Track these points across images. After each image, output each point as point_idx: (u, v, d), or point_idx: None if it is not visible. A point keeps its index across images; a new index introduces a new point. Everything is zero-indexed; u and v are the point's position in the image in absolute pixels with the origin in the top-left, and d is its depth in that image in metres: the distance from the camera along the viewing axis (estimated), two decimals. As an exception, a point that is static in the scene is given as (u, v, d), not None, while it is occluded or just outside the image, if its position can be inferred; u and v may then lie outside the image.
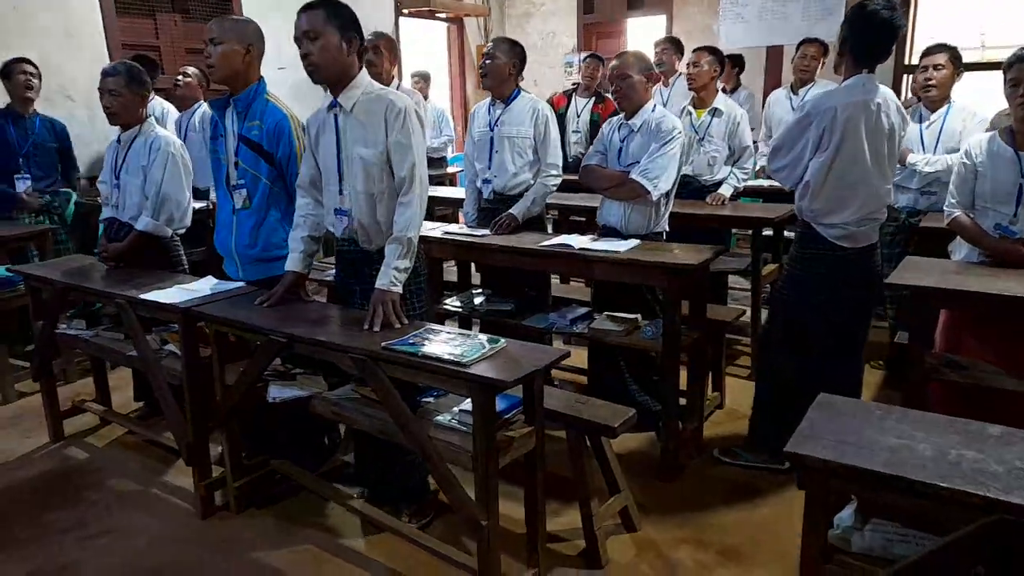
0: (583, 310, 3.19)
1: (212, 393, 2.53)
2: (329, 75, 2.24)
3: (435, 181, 5.78)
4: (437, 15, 7.92)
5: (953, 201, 2.63)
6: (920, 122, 3.58)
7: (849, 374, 2.72)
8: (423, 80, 6.55)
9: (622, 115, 3.15)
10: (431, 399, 2.26)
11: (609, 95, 5.72)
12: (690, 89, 4.05)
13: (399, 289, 2.23)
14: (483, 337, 2.06)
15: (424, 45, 8.39)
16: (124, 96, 2.88)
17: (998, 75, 2.65)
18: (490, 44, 3.37)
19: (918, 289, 2.28)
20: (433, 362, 1.91)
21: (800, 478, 1.45)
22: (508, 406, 2.09)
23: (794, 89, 4.79)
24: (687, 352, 2.92)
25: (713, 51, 4.01)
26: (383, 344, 2.01)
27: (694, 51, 4.02)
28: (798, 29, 6.73)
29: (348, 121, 2.29)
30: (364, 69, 2.33)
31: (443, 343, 2.02)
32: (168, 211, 2.96)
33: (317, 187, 2.45)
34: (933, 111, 3.54)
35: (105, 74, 2.89)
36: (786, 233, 3.77)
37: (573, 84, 7.84)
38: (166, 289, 2.66)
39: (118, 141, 3.05)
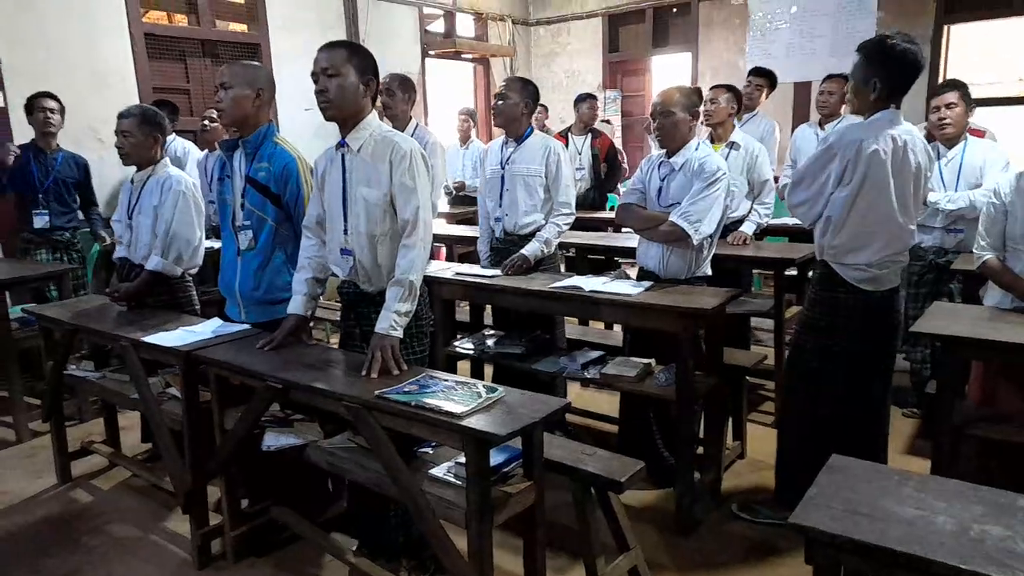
0: (596, 354, 3.08)
1: (212, 439, 2.48)
2: (343, 114, 2.23)
3: (468, 219, 5.84)
4: (463, 56, 8.01)
5: (983, 244, 2.50)
6: (938, 159, 3.48)
7: (873, 425, 2.57)
8: (469, 118, 6.56)
9: (662, 152, 3.02)
10: (428, 449, 2.17)
11: (603, 130, 5.92)
12: (707, 125, 4.00)
13: (399, 334, 2.18)
14: (481, 386, 1.98)
15: (452, 86, 8.49)
16: (135, 137, 2.91)
17: None
18: (502, 84, 3.36)
19: (946, 339, 2.15)
20: (426, 412, 1.84)
21: (807, 551, 1.32)
22: (507, 458, 2.00)
23: (821, 124, 4.68)
24: (704, 399, 2.80)
25: (730, 88, 3.97)
26: (376, 393, 1.94)
27: (711, 88, 3.99)
28: (826, 65, 6.64)
29: (355, 161, 2.27)
30: (374, 112, 2.32)
31: (439, 392, 1.95)
32: (177, 250, 2.96)
33: (324, 228, 2.43)
34: (950, 147, 3.47)
35: (120, 116, 2.94)
36: (810, 274, 3.64)
37: (601, 120, 7.89)
38: (171, 331, 2.64)
39: (132, 182, 3.08)
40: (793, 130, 6.29)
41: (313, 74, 2.21)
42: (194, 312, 3.07)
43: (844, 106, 4.62)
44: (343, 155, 2.29)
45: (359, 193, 2.25)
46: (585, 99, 5.83)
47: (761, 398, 3.99)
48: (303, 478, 2.64)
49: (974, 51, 6.59)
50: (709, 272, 3.01)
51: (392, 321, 2.16)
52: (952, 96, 3.41)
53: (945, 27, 6.22)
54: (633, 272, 3.29)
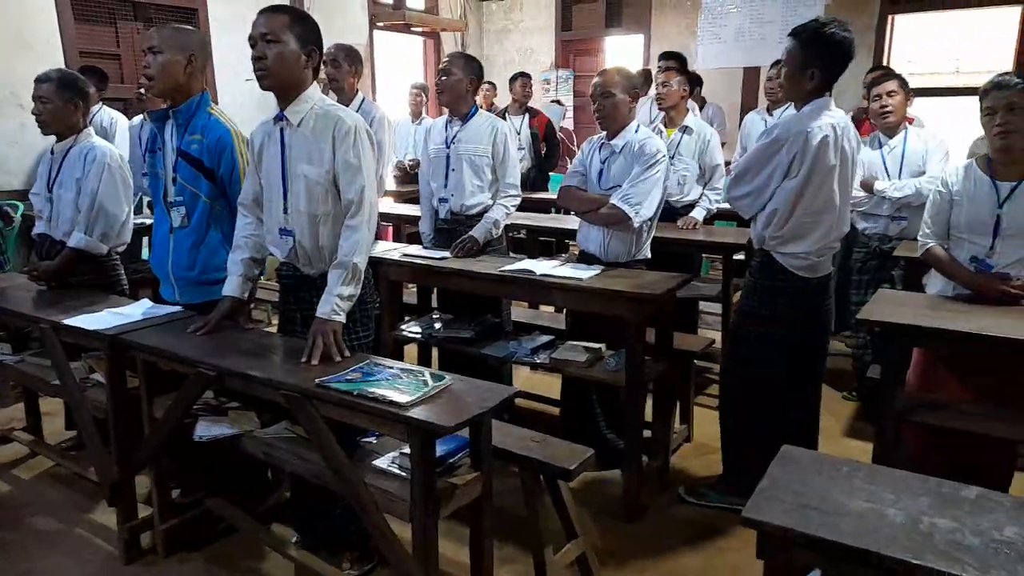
0: (546, 338, 3.04)
1: (140, 427, 2.34)
2: (280, 84, 2.09)
3: (415, 198, 5.68)
4: (413, 29, 7.80)
5: (928, 231, 2.52)
6: (880, 148, 3.55)
7: (809, 408, 2.64)
8: (421, 92, 6.36)
9: (603, 134, 2.99)
10: (372, 439, 2.09)
11: (542, 109, 5.86)
12: (660, 108, 4.01)
13: (341, 318, 2.08)
14: (428, 374, 1.90)
15: (401, 60, 8.26)
16: (54, 103, 2.71)
17: (972, 100, 2.64)
18: (445, 60, 3.25)
19: (890, 326, 2.16)
20: (369, 402, 1.75)
21: (759, 545, 1.30)
22: (454, 448, 1.93)
23: (769, 111, 4.71)
24: (653, 384, 2.79)
25: (682, 70, 3.96)
26: (317, 381, 1.85)
27: (663, 71, 3.97)
28: (775, 51, 6.68)
29: (294, 136, 2.14)
30: (316, 84, 2.19)
31: (383, 380, 1.86)
32: (103, 227, 2.77)
33: (260, 205, 2.30)
34: (891, 136, 3.52)
35: (37, 81, 2.73)
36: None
37: (552, 101, 7.81)
38: (96, 313, 2.47)
39: (52, 152, 2.87)
40: (742, 116, 6.36)
41: (251, 38, 2.07)
42: (122, 293, 2.89)
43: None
44: (281, 129, 2.16)
45: (299, 170, 2.13)
46: (517, 77, 5.79)
47: (707, 381, 4.02)
48: (240, 467, 2.53)
49: (915, 41, 6.73)
50: (649, 255, 3.01)
51: (334, 305, 2.06)
52: (892, 84, 3.48)
53: (889, 16, 6.33)
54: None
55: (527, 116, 5.72)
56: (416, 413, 1.69)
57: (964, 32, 6.88)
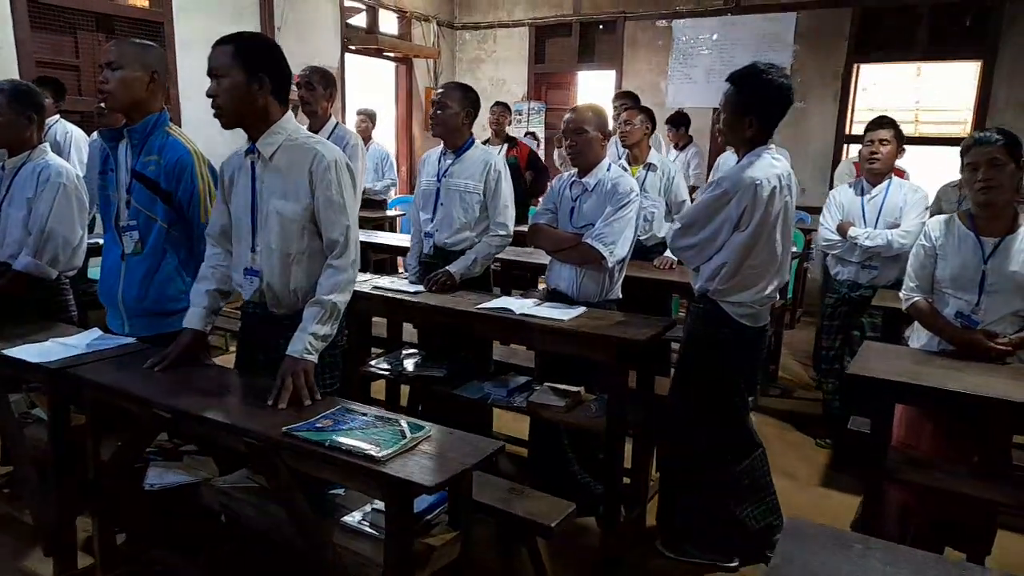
0: (524, 379, 2.93)
1: (84, 470, 2.15)
2: (236, 119, 1.97)
3: (373, 225, 5.52)
4: (385, 54, 7.73)
5: (912, 285, 2.50)
6: (862, 195, 3.56)
7: (744, 442, 2.61)
8: (368, 119, 6.29)
9: (574, 172, 2.96)
10: (341, 490, 1.94)
11: (523, 139, 5.79)
12: (624, 146, 4.05)
13: (314, 358, 1.94)
14: (405, 423, 1.77)
15: (372, 84, 8.17)
16: (6, 117, 2.53)
17: (931, 149, 2.73)
18: (440, 91, 3.15)
19: (881, 383, 2.11)
20: (341, 455, 1.61)
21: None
22: (431, 503, 1.80)
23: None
24: (633, 431, 2.70)
25: (643, 109, 4.06)
26: (284, 429, 1.70)
27: (626, 110, 4.09)
28: (745, 93, 6.83)
29: (266, 170, 2.01)
30: (290, 113, 2.05)
31: (357, 429, 1.72)
32: (53, 250, 2.58)
33: (229, 238, 2.15)
34: (875, 185, 3.52)
35: (-12, 92, 2.54)
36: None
37: (526, 133, 7.78)
38: (40, 343, 2.28)
39: (2, 168, 2.68)
40: (711, 156, 6.42)
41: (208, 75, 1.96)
42: (69, 320, 2.69)
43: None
44: (252, 163, 2.03)
45: (272, 207, 2.00)
46: (495, 106, 5.72)
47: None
48: (194, 514, 2.34)
49: (878, 90, 6.91)
50: (620, 295, 2.96)
51: (307, 344, 1.92)
52: (886, 133, 3.42)
53: (855, 65, 6.50)
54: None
55: (505, 147, 5.63)
56: (393, 469, 1.56)
57: (925, 83, 7.10)
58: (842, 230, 3.52)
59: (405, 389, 3.49)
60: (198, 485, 1.97)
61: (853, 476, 3.32)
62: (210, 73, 1.93)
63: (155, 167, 2.24)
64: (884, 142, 3.42)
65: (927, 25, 6.10)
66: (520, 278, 4.41)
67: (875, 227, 3.48)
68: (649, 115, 4.07)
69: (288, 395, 1.86)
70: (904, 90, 7.23)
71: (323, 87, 3.43)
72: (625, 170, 3.91)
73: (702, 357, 2.53)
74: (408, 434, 1.71)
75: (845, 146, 6.55)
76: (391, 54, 7.84)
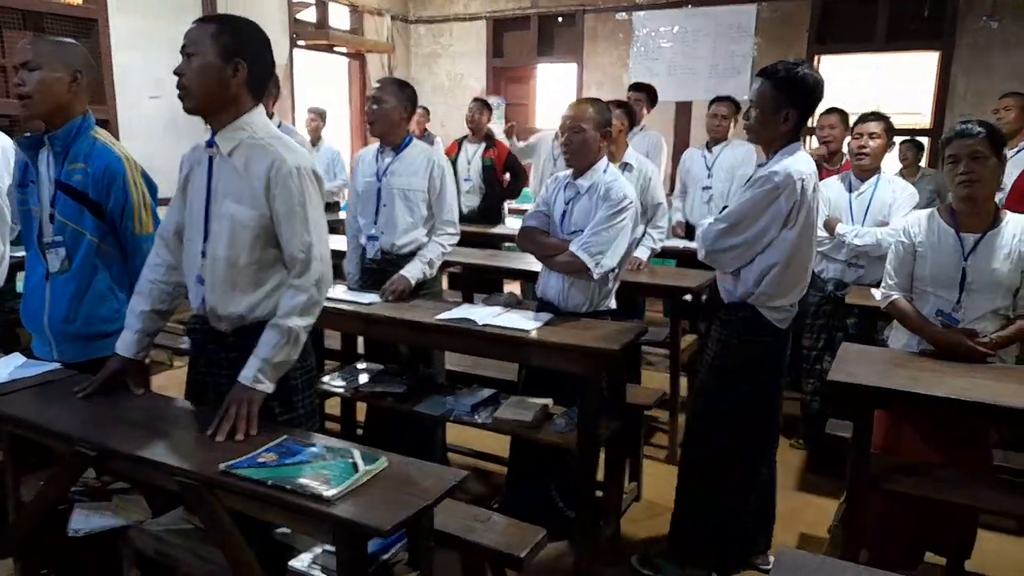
0: (487, 392, 2.76)
1: (3, 512, 1.93)
2: (203, 105, 1.76)
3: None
4: (336, 49, 7.48)
5: (891, 283, 2.41)
6: (850, 191, 3.43)
7: (773, 459, 2.51)
8: (319, 117, 6.07)
9: (569, 172, 2.75)
10: (288, 528, 1.76)
11: (501, 139, 5.52)
12: None
13: (266, 387, 1.74)
14: (357, 454, 1.60)
15: (323, 80, 7.91)
16: None
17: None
18: (375, 86, 2.97)
19: (857, 388, 2.00)
20: (286, 495, 1.44)
21: None
22: (388, 542, 1.63)
23: (708, 147, 4.63)
24: (604, 444, 2.56)
25: (621, 104, 3.86)
26: (222, 466, 1.52)
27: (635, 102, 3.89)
28: (706, 86, 6.76)
29: (223, 167, 1.79)
30: (260, 108, 1.84)
31: (304, 464, 1.55)
32: (-32, 269, 2.35)
33: (182, 242, 1.93)
34: (863, 180, 3.40)
35: None
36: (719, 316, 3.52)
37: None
38: (-47, 371, 2.05)
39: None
40: (674, 150, 6.33)
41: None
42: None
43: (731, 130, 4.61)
44: (211, 157, 1.82)
45: (224, 208, 1.78)
46: (471, 103, 5.51)
47: (652, 430, 3.84)
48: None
49: (838, 81, 6.90)
50: (613, 306, 2.77)
51: (258, 371, 1.73)
52: (876, 127, 3.32)
53: (816, 56, 6.47)
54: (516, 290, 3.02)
55: (483, 146, 5.41)
56: (343, 510, 1.39)
57: (885, 74, 7.12)
58: (829, 226, 3.37)
59: (363, 405, 3.31)
60: (128, 529, 1.76)
61: (830, 479, 3.25)
62: (183, 50, 1.74)
63: (82, 176, 2.02)
64: (874, 136, 3.31)
65: (886, 15, 6.10)
66: (484, 281, 4.24)
67: (863, 224, 3.35)
68: (627, 110, 3.87)
69: (228, 426, 1.68)
70: (864, 81, 7.24)
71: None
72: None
73: (745, 369, 2.35)
74: (361, 467, 1.54)
75: (807, 138, 6.53)
76: (343, 49, 7.60)
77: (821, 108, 3.09)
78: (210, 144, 1.80)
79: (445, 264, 3.71)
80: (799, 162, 2.23)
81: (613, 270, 2.65)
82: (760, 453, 2.43)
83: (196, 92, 1.74)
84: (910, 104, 6.69)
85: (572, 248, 2.57)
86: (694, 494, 2.50)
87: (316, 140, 6.05)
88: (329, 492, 1.43)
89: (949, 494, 2.04)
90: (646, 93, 4.70)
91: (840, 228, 3.35)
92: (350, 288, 3.06)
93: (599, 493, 2.68)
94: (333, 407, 3.37)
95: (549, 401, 2.63)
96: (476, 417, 2.60)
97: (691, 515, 2.51)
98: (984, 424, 2.24)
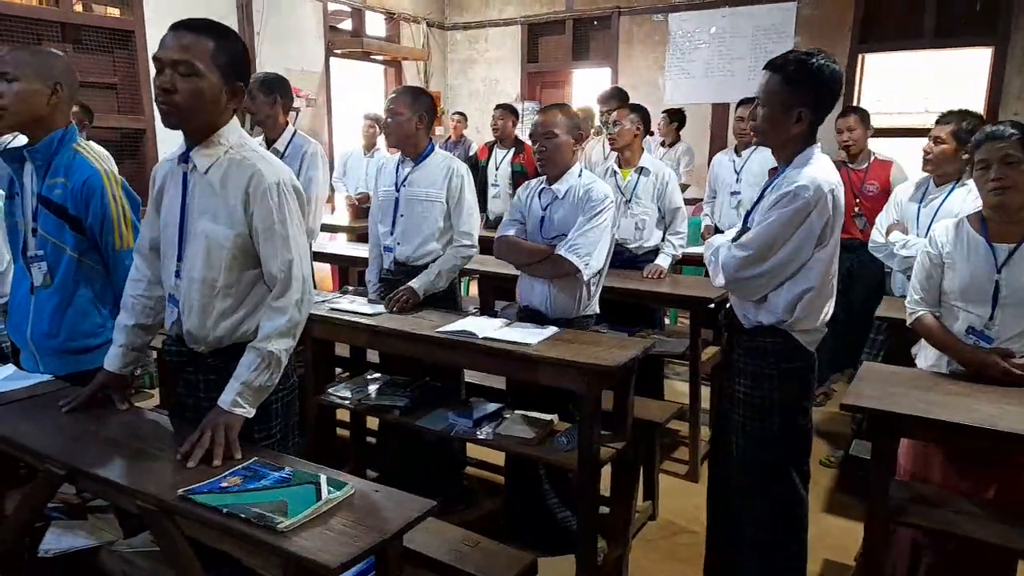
0: (494, 406, 2.67)
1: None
2: (191, 124, 1.70)
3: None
4: (372, 57, 7.52)
5: (917, 298, 2.23)
6: (921, 200, 3.13)
7: (798, 500, 2.22)
8: (376, 123, 6.03)
9: (542, 179, 2.73)
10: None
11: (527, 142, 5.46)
12: (613, 149, 3.78)
13: (246, 411, 1.68)
14: (324, 479, 1.53)
15: (359, 88, 7.96)
16: None
17: None
18: (391, 97, 2.92)
19: (879, 414, 1.85)
20: (239, 524, 1.38)
21: None
22: (357, 572, 1.56)
23: (737, 151, 4.46)
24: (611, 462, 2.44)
25: (635, 108, 3.73)
26: (181, 491, 1.47)
27: (616, 109, 3.77)
28: (744, 88, 6.53)
29: (199, 184, 1.73)
30: (235, 120, 1.77)
31: (266, 489, 1.49)
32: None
33: (159, 255, 1.88)
34: (939, 186, 3.09)
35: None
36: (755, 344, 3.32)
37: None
38: (-54, 384, 2.06)
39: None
40: (711, 153, 6.15)
41: (157, 59, 1.64)
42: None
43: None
44: (185, 173, 1.75)
45: (200, 227, 1.72)
46: (495, 109, 5.45)
47: (674, 444, 3.69)
48: None
49: (884, 81, 6.61)
50: (597, 310, 2.72)
51: (237, 395, 1.67)
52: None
53: (860, 56, 6.21)
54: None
55: (511, 151, 5.34)
56: (294, 543, 1.32)
57: (934, 72, 6.77)
58: (889, 233, 3.12)
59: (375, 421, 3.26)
60: (98, 550, 1.74)
61: (862, 500, 3.05)
62: (172, 64, 1.62)
63: (61, 190, 2.00)
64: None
65: (934, 10, 5.80)
66: (503, 290, 4.15)
67: (927, 235, 3.10)
68: (642, 114, 3.73)
69: (202, 452, 1.62)
70: (913, 80, 6.91)
71: (265, 94, 3.20)
72: (615, 174, 3.70)
73: (781, 397, 2.10)
74: (324, 494, 1.47)
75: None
76: (379, 57, 7.64)
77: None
78: (184, 159, 1.75)
79: (468, 271, 3.65)
80: (825, 170, 2.00)
81: (600, 271, 2.60)
82: (798, 472, 2.19)
83: (188, 113, 1.65)
84: (961, 104, 6.33)
85: (559, 251, 2.54)
86: (717, 541, 2.32)
87: (371, 146, 6.04)
88: (283, 523, 1.36)
89: (980, 531, 1.86)
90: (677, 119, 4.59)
91: (893, 236, 3.06)
92: (370, 298, 3.01)
93: (606, 509, 2.57)
94: (345, 413, 3.33)
95: (554, 417, 2.53)
96: (478, 432, 2.51)
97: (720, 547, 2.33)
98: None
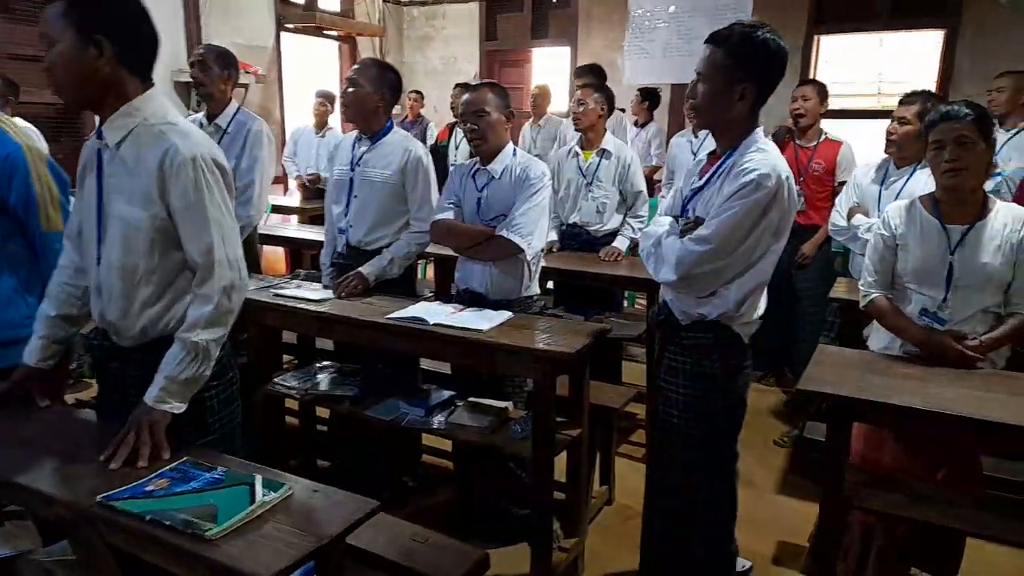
0: (447, 394, 2.60)
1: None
2: (76, 97, 1.57)
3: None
4: (326, 32, 7.29)
5: (871, 280, 2.22)
6: (881, 183, 3.09)
7: (732, 490, 2.17)
8: (328, 102, 5.83)
9: (475, 160, 2.65)
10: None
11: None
12: (576, 129, 3.67)
13: (172, 407, 1.57)
14: (259, 481, 1.44)
15: (312, 65, 7.72)
16: None
17: None
18: (355, 67, 2.78)
19: (836, 399, 1.82)
20: (162, 531, 1.28)
21: None
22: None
23: (695, 132, 4.41)
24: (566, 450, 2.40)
25: (599, 88, 3.64)
26: (100, 496, 1.36)
27: (579, 88, 3.66)
28: (703, 68, 6.52)
29: (112, 162, 1.60)
30: (155, 91, 1.62)
31: (195, 493, 1.39)
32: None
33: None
34: (900, 168, 3.05)
35: None
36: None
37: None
38: None
39: None
40: (669, 134, 6.12)
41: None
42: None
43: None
44: (99, 151, 1.62)
45: (116, 209, 1.59)
46: (454, 88, 5.32)
47: (631, 427, 3.67)
48: None
49: (839, 62, 6.65)
50: (538, 290, 2.69)
51: (162, 389, 1.56)
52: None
53: (816, 37, 6.22)
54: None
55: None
56: (223, 553, 1.23)
57: (887, 54, 6.84)
58: (851, 216, 3.09)
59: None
60: (15, 559, 1.62)
61: (814, 482, 3.08)
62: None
63: None
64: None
65: (889, -8, 5.84)
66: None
67: None
68: (607, 94, 3.63)
69: (126, 452, 1.51)
70: (866, 62, 6.97)
71: (220, 67, 3.05)
72: (578, 155, 3.63)
73: (723, 392, 2.03)
74: (259, 496, 1.39)
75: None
76: (332, 32, 7.41)
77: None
78: (99, 135, 1.61)
79: (424, 255, 3.55)
80: (779, 157, 1.91)
81: (541, 250, 2.58)
82: (732, 473, 2.15)
83: (64, 84, 1.53)
84: (913, 85, 6.40)
85: (501, 232, 2.48)
86: (651, 541, 2.26)
87: (323, 125, 5.86)
88: (211, 530, 1.27)
89: (932, 515, 1.86)
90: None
91: (856, 219, 3.03)
92: (323, 282, 2.90)
93: (562, 495, 2.53)
94: (295, 402, 3.22)
95: (509, 404, 2.47)
96: (430, 421, 2.44)
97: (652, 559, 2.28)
98: (976, 445, 2.04)
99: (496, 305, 2.51)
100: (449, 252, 3.53)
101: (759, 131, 1.96)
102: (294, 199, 6.19)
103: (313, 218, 5.43)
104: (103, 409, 1.81)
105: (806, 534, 2.72)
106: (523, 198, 2.49)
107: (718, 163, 1.99)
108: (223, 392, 1.74)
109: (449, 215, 2.64)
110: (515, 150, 2.62)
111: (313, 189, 5.68)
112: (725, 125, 1.95)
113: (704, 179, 2.01)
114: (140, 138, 1.57)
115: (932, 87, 5.89)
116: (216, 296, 1.59)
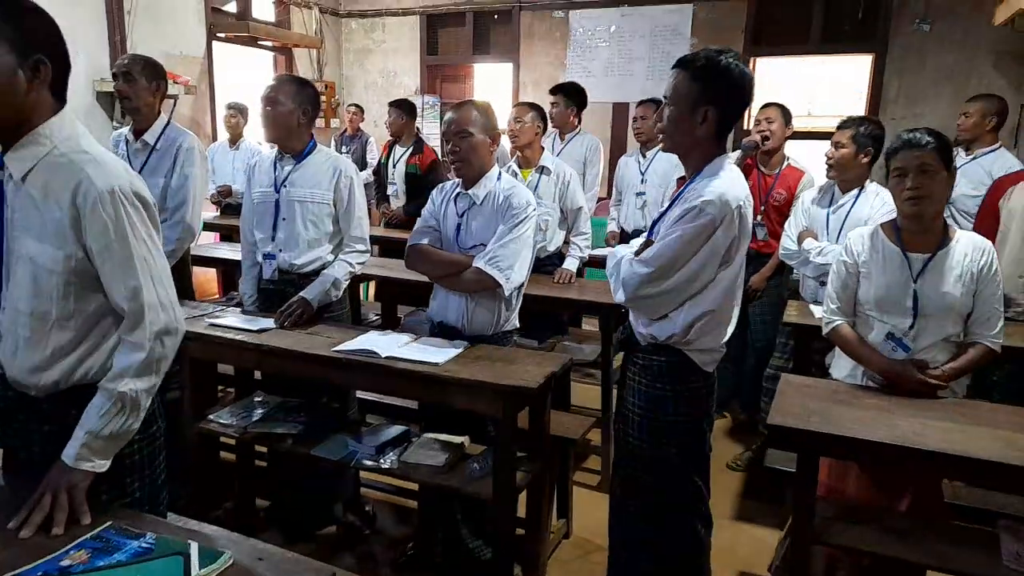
0: (398, 429, 2.45)
1: None
2: None
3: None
4: (260, 43, 7.03)
5: (833, 307, 2.20)
6: (829, 206, 3.10)
7: (706, 515, 2.15)
8: (239, 114, 5.59)
9: (457, 182, 2.50)
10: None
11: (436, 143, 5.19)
12: (514, 148, 3.60)
13: (95, 467, 1.38)
14: (195, 551, 1.28)
15: (246, 76, 7.43)
16: None
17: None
18: (270, 85, 2.62)
19: (797, 434, 1.78)
20: (86, 618, 1.11)
21: None
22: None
23: (642, 152, 4.40)
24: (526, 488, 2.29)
25: (533, 106, 3.61)
26: (8, 574, 1.18)
27: (515, 107, 3.62)
28: (643, 87, 6.57)
29: (18, 195, 1.39)
30: (66, 111, 1.42)
31: (121, 567, 1.22)
32: None
33: None
34: (844, 192, 3.08)
35: None
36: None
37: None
38: None
39: None
40: (613, 154, 6.14)
41: None
42: None
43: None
44: (2, 182, 1.41)
45: (23, 248, 1.39)
46: (390, 107, 5.15)
47: (585, 452, 3.59)
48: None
49: (773, 84, 6.82)
50: (517, 324, 2.54)
51: (83, 446, 1.37)
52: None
53: (752, 59, 6.36)
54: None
55: (409, 150, 5.02)
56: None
57: (818, 77, 7.06)
58: (801, 240, 3.09)
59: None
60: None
61: (771, 506, 3.06)
62: None
63: None
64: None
65: (821, 18, 6.03)
66: (406, 296, 3.92)
67: (837, 241, 3.02)
68: (540, 113, 3.63)
69: (40, 518, 1.32)
70: (799, 84, 7.18)
71: (147, 78, 2.83)
72: (516, 174, 3.54)
73: (676, 417, 1.99)
74: (195, 571, 1.22)
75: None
76: (267, 43, 7.15)
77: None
78: (0, 165, 1.40)
79: (365, 276, 3.40)
80: (734, 184, 1.86)
81: (521, 285, 2.42)
82: (697, 513, 2.12)
83: None
84: (845, 107, 6.62)
85: (478, 264, 2.32)
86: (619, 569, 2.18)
87: (236, 138, 5.60)
88: (140, 612, 1.11)
89: (899, 549, 1.83)
90: (564, 95, 4.39)
91: (807, 244, 3.04)
92: (245, 312, 2.71)
93: (521, 531, 2.41)
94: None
95: (465, 439, 2.35)
96: (381, 460, 2.29)
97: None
98: (941, 476, 2.04)
99: (472, 341, 2.36)
100: (394, 274, 3.42)
101: (724, 158, 1.93)
102: (209, 213, 5.90)
103: (225, 236, 5.17)
104: (9, 468, 1.59)
105: (765, 564, 2.68)
106: (505, 228, 2.33)
107: (682, 188, 1.97)
108: (146, 447, 1.54)
109: (425, 241, 2.47)
110: (500, 175, 2.45)
111: (227, 204, 5.40)
112: (689, 149, 1.95)
113: (669, 203, 1.99)
114: (49, 169, 1.37)
115: (862, 109, 6.11)
116: (148, 343, 1.41)
